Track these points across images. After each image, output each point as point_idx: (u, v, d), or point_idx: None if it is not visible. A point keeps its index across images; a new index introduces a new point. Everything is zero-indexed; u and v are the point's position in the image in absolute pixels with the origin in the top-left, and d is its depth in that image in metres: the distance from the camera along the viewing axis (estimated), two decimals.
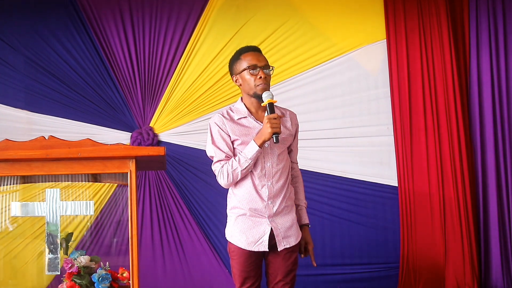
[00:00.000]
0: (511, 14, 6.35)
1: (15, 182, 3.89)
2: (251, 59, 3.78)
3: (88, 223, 5.85)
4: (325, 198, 6.35)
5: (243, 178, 3.74)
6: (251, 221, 3.75)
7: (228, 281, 6.29)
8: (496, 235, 6.17)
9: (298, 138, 4.04)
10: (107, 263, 4.05)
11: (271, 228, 3.74)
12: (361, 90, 6.45)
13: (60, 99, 6.44)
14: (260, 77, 3.73)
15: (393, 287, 6.17)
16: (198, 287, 6.30)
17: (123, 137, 6.42)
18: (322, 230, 6.33)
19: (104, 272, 3.97)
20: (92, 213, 3.96)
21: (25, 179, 3.94)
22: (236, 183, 3.78)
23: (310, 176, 6.36)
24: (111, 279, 3.96)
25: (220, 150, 3.74)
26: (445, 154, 6.21)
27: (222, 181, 3.73)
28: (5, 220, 5.14)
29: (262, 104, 3.73)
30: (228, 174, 3.69)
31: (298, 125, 4.03)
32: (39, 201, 3.91)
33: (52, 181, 4.03)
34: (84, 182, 4.07)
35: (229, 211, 3.88)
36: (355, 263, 6.30)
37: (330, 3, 6.51)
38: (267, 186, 3.74)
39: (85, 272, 4.02)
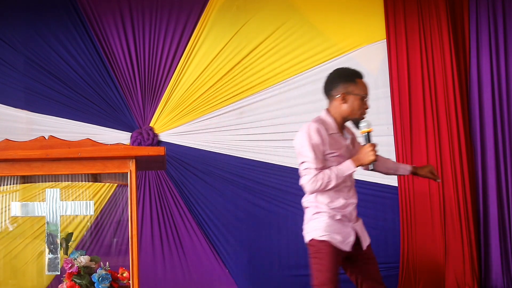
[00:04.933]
0: (511, 14, 6.35)
1: (15, 182, 3.90)
2: (365, 88, 4.08)
3: (88, 223, 5.86)
4: None
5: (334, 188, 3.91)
6: (341, 224, 3.91)
7: (228, 281, 6.30)
8: (496, 235, 6.16)
9: None
10: (107, 263, 4.06)
11: (355, 232, 3.95)
12: None
13: (60, 99, 6.44)
14: (366, 108, 4.03)
15: (393, 287, 6.17)
16: (198, 287, 6.30)
17: (123, 137, 6.42)
18: None
19: (104, 272, 3.99)
20: (92, 213, 3.98)
21: (25, 179, 3.95)
22: (324, 192, 3.91)
23: None
24: (111, 279, 3.98)
25: (319, 160, 3.85)
26: (445, 154, 6.21)
27: (311, 187, 3.84)
28: (5, 220, 5.14)
29: (361, 132, 3.93)
30: (322, 183, 3.81)
31: None
32: (39, 201, 3.93)
33: (52, 181, 4.05)
34: (84, 182, 4.08)
35: (316, 215, 3.95)
36: None
37: (330, 3, 6.51)
38: (351, 196, 3.99)
39: (85, 272, 4.03)
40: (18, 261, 5.93)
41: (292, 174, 6.34)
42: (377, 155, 3.86)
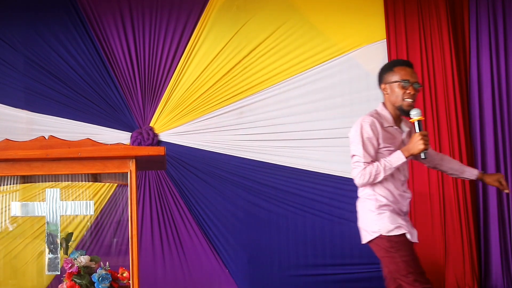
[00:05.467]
0: (511, 14, 6.35)
1: (15, 182, 3.90)
2: (405, 73, 3.97)
3: (88, 223, 5.86)
4: (326, 198, 6.35)
5: (388, 181, 3.97)
6: (400, 218, 3.98)
7: (228, 280, 6.29)
8: (496, 235, 6.16)
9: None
10: (107, 263, 4.06)
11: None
12: (361, 90, 6.44)
13: (60, 99, 6.44)
14: (409, 93, 3.94)
15: None
16: (198, 287, 6.30)
17: (123, 137, 6.42)
18: (322, 230, 6.33)
19: (104, 272, 3.98)
20: (92, 213, 3.97)
21: (25, 179, 3.95)
22: (381, 186, 3.97)
23: (310, 176, 6.37)
24: (111, 279, 3.97)
25: (367, 153, 3.92)
26: (445, 154, 6.21)
27: (361, 180, 3.94)
28: (5, 220, 5.14)
29: (410, 121, 3.96)
30: (370, 176, 3.88)
31: None
32: (39, 201, 3.92)
33: (52, 181, 4.05)
34: (84, 182, 4.08)
35: (378, 209, 3.99)
36: (355, 263, 6.30)
37: (330, 3, 6.51)
38: (404, 191, 4.06)
39: (85, 272, 4.02)
40: (18, 261, 5.93)
41: (292, 174, 6.36)
42: (428, 144, 3.87)
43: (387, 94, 4.04)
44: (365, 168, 3.88)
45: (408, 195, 4.06)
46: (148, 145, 6.35)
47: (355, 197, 6.32)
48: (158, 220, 6.39)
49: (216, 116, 6.49)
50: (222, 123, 6.48)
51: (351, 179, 6.30)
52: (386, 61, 6.36)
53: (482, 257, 6.20)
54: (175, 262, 6.34)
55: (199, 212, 6.40)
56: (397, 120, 4.06)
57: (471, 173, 4.31)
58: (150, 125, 6.48)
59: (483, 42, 6.34)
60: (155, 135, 6.46)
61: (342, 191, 6.34)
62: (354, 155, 3.97)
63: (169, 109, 6.49)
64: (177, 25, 6.50)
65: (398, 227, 3.92)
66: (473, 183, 6.25)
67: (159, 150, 3.68)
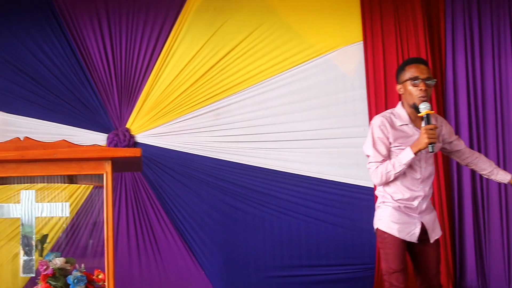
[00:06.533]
0: (486, 17, 6.40)
1: None
2: (415, 71, 4.09)
3: (64, 225, 5.83)
4: (302, 200, 6.36)
5: (398, 179, 4.04)
6: (405, 215, 4.06)
7: (204, 282, 6.29)
8: (471, 235, 6.21)
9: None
10: (83, 265, 4.03)
11: (422, 223, 4.09)
12: (337, 92, 6.46)
13: (36, 100, 6.40)
14: (421, 89, 4.02)
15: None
16: None
17: (99, 138, 6.39)
18: (298, 231, 6.34)
19: (79, 274, 3.95)
20: (67, 214, 3.94)
21: (0, 181, 3.91)
22: (391, 183, 4.07)
23: (286, 178, 6.38)
24: (86, 281, 3.95)
25: (378, 153, 4.02)
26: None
27: (375, 180, 4.06)
28: None
29: (419, 115, 4.01)
30: (381, 175, 4.01)
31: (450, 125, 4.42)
32: (14, 203, 3.88)
33: (27, 183, 4.00)
34: (59, 184, 4.04)
35: (382, 204, 4.14)
36: (331, 264, 6.32)
37: (307, 5, 6.53)
38: (420, 189, 4.11)
39: (60, 274, 3.99)
40: None
41: (268, 175, 6.36)
42: (435, 137, 3.91)
43: (402, 93, 4.13)
44: (377, 167, 3.99)
45: (421, 193, 4.08)
46: (124, 146, 6.32)
47: (331, 199, 6.40)
48: (134, 221, 6.37)
49: (192, 117, 6.48)
50: (199, 124, 6.48)
51: (327, 180, 6.40)
52: (362, 62, 6.41)
53: (457, 257, 6.25)
54: (151, 264, 6.33)
55: (175, 214, 6.39)
56: (416, 119, 4.11)
57: (504, 177, 4.35)
58: (126, 126, 6.45)
59: (458, 44, 6.39)
60: (132, 137, 6.44)
61: (318, 192, 6.37)
62: (368, 155, 4.07)
63: (145, 110, 6.46)
64: (154, 26, 6.48)
65: (387, 226, 4.05)
66: (448, 184, 6.30)
67: (135, 152, 3.67)
